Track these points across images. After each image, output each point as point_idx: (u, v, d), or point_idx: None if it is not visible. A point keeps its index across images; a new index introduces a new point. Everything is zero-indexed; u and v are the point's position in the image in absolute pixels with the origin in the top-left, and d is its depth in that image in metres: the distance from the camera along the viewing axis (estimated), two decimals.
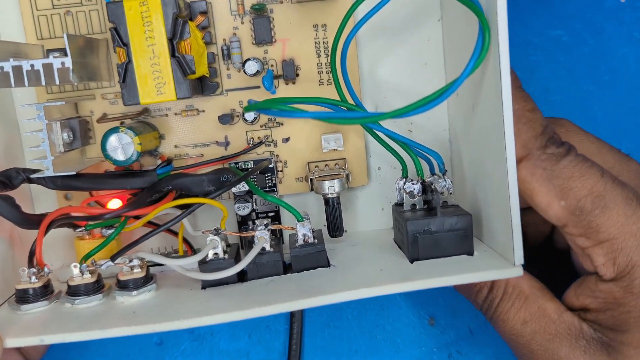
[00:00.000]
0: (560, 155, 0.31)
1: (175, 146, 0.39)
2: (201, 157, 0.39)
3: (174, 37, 0.33)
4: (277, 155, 0.39)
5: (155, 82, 0.33)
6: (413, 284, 0.31)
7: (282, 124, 0.39)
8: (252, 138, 0.39)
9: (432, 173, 0.37)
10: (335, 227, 0.38)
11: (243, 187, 0.38)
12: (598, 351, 0.31)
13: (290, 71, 0.38)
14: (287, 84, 0.38)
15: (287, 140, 0.39)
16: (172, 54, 0.33)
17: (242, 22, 0.38)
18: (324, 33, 0.38)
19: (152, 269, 0.36)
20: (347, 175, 0.38)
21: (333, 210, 0.38)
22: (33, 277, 0.33)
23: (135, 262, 0.34)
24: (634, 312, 0.31)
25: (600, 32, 0.41)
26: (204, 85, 0.38)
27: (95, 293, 0.34)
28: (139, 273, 0.34)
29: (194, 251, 0.39)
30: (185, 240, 0.39)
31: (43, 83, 0.31)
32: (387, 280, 0.32)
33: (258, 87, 0.38)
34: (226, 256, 0.34)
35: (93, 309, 0.33)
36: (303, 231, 0.35)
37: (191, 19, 0.36)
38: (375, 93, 0.39)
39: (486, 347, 0.41)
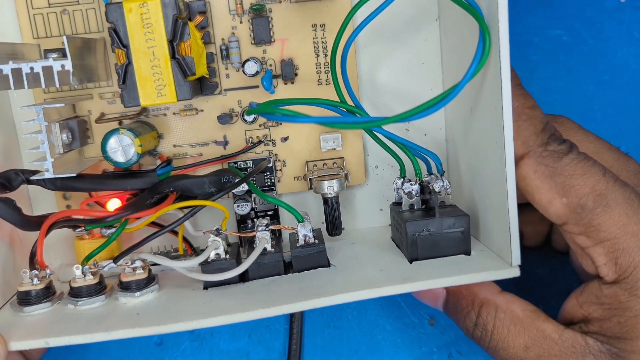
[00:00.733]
0: (562, 152, 0.31)
1: (174, 145, 0.39)
2: (200, 157, 0.39)
3: (174, 39, 0.33)
4: (275, 155, 0.39)
5: (156, 84, 0.33)
6: (413, 285, 0.32)
7: (280, 124, 0.39)
8: (251, 137, 0.39)
9: (430, 173, 0.37)
10: (334, 226, 0.38)
11: (243, 187, 0.38)
12: None
13: (289, 71, 0.38)
14: (285, 84, 0.38)
15: (285, 139, 0.39)
16: (172, 56, 0.33)
17: (241, 22, 0.37)
18: (322, 33, 0.38)
19: (154, 268, 0.36)
20: (346, 175, 0.38)
21: (332, 210, 0.38)
22: (35, 279, 0.34)
23: (138, 263, 0.34)
24: None
25: (600, 31, 0.41)
26: (203, 85, 0.37)
27: (98, 294, 0.34)
28: (141, 274, 0.34)
29: (194, 250, 0.39)
30: (185, 240, 0.39)
31: (43, 86, 0.31)
32: (387, 281, 0.32)
33: (257, 86, 0.38)
34: (228, 256, 0.34)
35: (96, 310, 0.33)
36: (304, 232, 0.35)
37: (190, 19, 0.35)
38: (373, 93, 0.39)
39: None
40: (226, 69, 0.38)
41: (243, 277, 0.35)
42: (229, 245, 0.36)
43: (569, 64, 0.42)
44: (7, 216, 0.33)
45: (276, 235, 0.39)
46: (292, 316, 0.41)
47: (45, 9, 0.37)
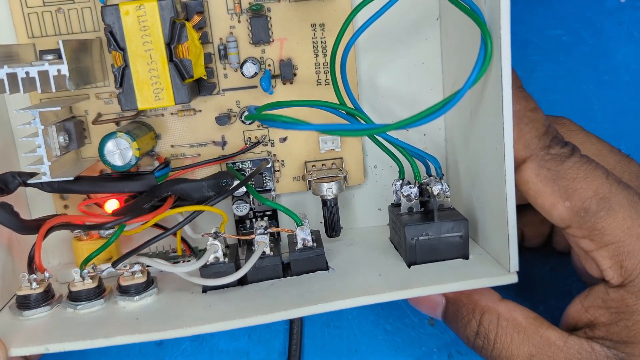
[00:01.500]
0: (564, 155, 0.31)
1: (172, 146, 0.39)
2: (198, 157, 0.39)
3: (172, 41, 0.32)
4: (274, 155, 0.39)
5: (153, 87, 0.33)
6: (412, 291, 0.32)
7: None
8: (250, 138, 0.39)
9: (429, 174, 0.37)
10: (332, 227, 0.38)
11: (241, 188, 0.38)
12: None
13: (287, 71, 0.37)
14: (284, 84, 0.38)
15: (284, 140, 0.39)
16: (170, 59, 0.32)
17: (239, 21, 0.37)
18: (322, 32, 0.37)
19: (152, 271, 0.36)
20: (345, 177, 0.38)
21: (331, 212, 0.38)
22: (34, 283, 0.33)
23: (137, 267, 0.34)
24: None
25: (600, 31, 0.41)
26: (201, 86, 0.37)
27: (97, 298, 0.34)
28: (140, 278, 0.34)
29: (192, 251, 0.39)
30: (183, 240, 0.39)
31: (39, 91, 0.31)
32: (385, 287, 0.32)
33: (255, 87, 0.38)
34: (226, 259, 0.34)
35: (95, 314, 0.33)
36: (302, 235, 0.35)
37: (187, 19, 0.35)
38: (372, 94, 0.39)
39: None
40: (224, 69, 0.38)
41: (242, 281, 0.35)
42: (227, 246, 0.36)
43: (569, 64, 0.42)
44: (4, 221, 0.33)
45: (274, 237, 0.39)
46: None
47: (39, 8, 0.36)
